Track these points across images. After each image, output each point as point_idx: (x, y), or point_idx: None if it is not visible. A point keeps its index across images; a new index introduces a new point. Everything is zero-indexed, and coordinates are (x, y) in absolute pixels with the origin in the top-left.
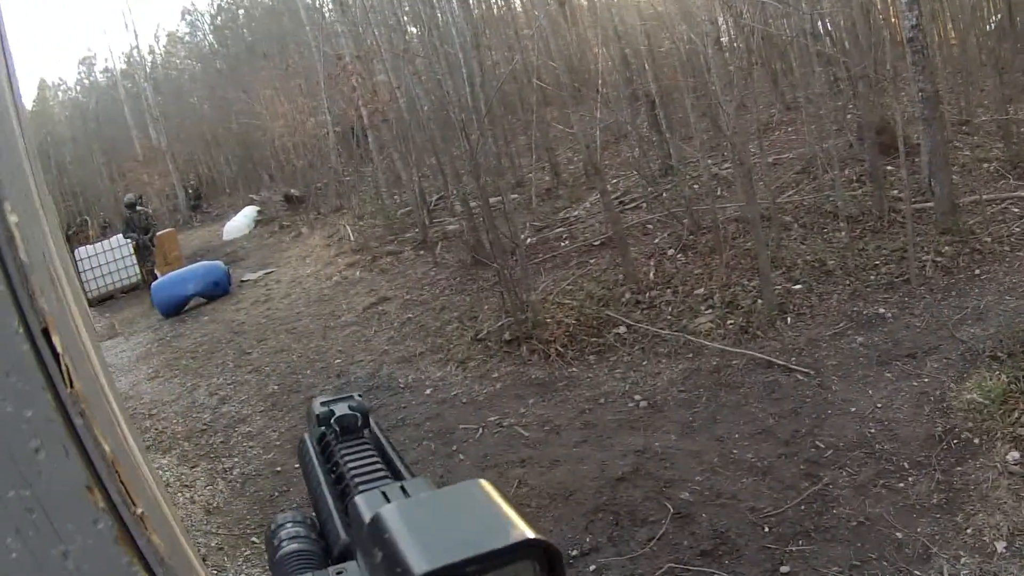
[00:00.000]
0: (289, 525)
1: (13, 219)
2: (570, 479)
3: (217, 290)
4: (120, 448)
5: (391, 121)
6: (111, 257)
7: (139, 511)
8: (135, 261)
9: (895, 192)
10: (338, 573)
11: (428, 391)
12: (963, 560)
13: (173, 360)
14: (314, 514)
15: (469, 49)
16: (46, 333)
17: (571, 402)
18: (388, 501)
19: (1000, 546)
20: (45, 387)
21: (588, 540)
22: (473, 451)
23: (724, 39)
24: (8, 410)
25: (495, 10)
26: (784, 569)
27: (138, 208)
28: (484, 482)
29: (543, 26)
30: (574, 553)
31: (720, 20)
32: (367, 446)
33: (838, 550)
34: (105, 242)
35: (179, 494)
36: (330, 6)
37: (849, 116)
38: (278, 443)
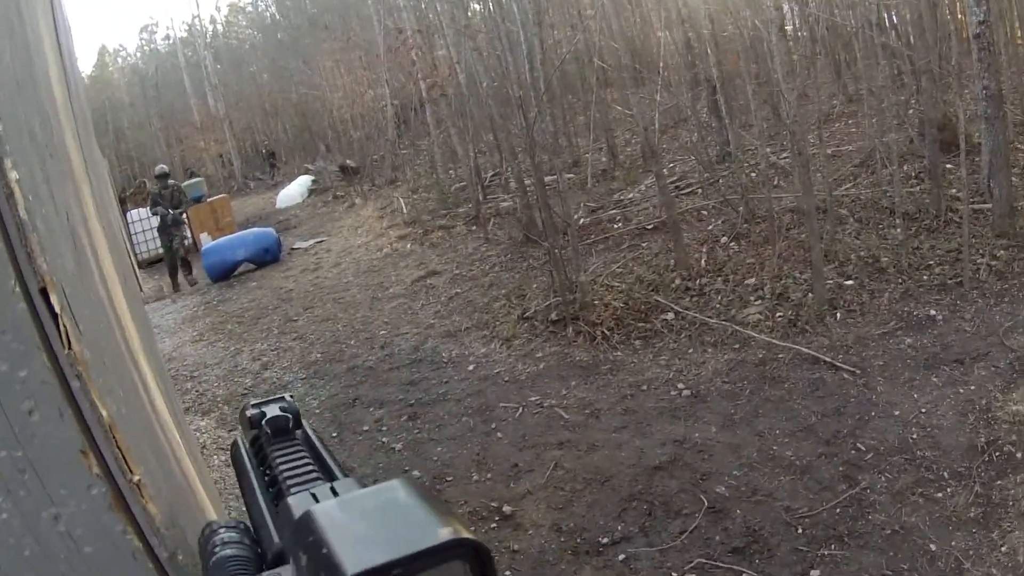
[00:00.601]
0: (222, 531)
1: (13, 175)
2: (607, 465)
3: (267, 257)
4: (122, 413)
5: (449, 96)
6: None
7: (135, 478)
8: (188, 225)
9: (953, 191)
10: None
11: (471, 367)
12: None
13: (218, 324)
14: (248, 519)
15: (531, 26)
16: (44, 293)
17: (613, 386)
18: (318, 502)
19: None
20: (40, 347)
21: (620, 528)
22: (512, 430)
23: (788, 27)
24: (2, 369)
25: None
26: (815, 573)
27: (170, 181)
28: (409, 480)
29: (606, 6)
30: (605, 541)
31: (785, 7)
32: (298, 447)
33: (870, 558)
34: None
35: (215, 456)
36: None
37: (911, 111)
38: (318, 411)
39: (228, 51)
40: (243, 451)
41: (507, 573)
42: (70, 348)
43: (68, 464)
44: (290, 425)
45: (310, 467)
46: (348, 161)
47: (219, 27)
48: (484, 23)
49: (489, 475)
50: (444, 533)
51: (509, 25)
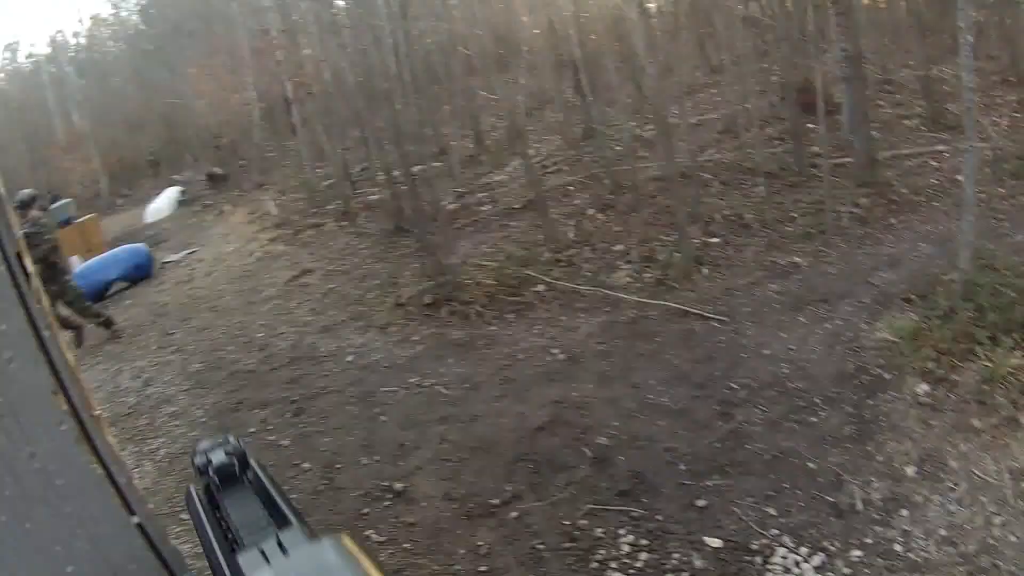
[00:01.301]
0: None
1: None
2: (490, 432)
3: (140, 273)
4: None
5: (316, 94)
6: None
7: (97, 412)
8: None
9: (815, 148)
10: None
11: (350, 358)
12: (875, 484)
13: (95, 347)
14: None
15: (396, 20)
16: (19, 256)
17: (490, 359)
18: (267, 561)
19: (910, 470)
20: (18, 304)
21: (509, 489)
22: (395, 412)
23: (652, 4)
24: None
25: None
26: (700, 503)
27: (32, 212)
28: (347, 539)
29: None
30: (496, 502)
31: None
32: (248, 494)
33: (752, 482)
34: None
35: None
36: None
37: (773, 78)
38: (203, 420)
39: (92, 65)
40: (196, 501)
41: (405, 546)
42: (40, 303)
43: (42, 404)
44: (237, 470)
45: (260, 515)
46: (216, 169)
47: (82, 41)
48: (349, 19)
49: (377, 457)
50: None
51: (374, 20)
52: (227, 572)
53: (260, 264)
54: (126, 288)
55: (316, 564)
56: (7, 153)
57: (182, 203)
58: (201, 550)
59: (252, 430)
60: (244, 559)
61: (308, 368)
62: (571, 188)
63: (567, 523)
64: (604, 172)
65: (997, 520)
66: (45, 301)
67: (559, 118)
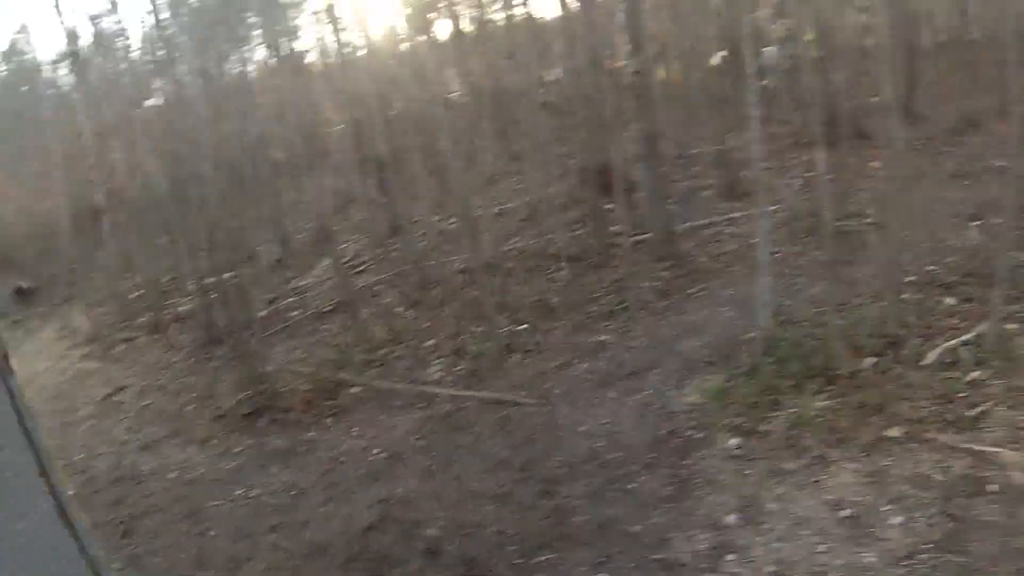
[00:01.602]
0: None
1: None
2: (321, 536)
3: None
4: None
5: (126, 201)
6: None
7: (70, 492)
8: None
9: (615, 228)
10: None
11: (172, 475)
12: (699, 536)
13: None
14: None
15: (207, 122)
16: (6, 358)
17: (313, 465)
18: None
19: (731, 519)
20: (6, 394)
21: None
22: (224, 525)
23: (455, 95)
24: None
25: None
26: None
27: None
28: None
29: (280, 91)
30: None
31: (450, 78)
32: None
33: (582, 552)
34: None
35: None
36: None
37: (572, 161)
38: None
39: None
40: None
41: None
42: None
43: (29, 484)
44: None
45: None
46: (22, 282)
47: None
48: (160, 120)
49: (212, 572)
50: None
51: (187, 121)
52: None
53: (73, 382)
54: None
55: None
56: None
57: None
58: None
59: None
60: None
61: (131, 488)
62: (380, 286)
63: None
64: (412, 268)
65: (821, 548)
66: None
67: (365, 216)
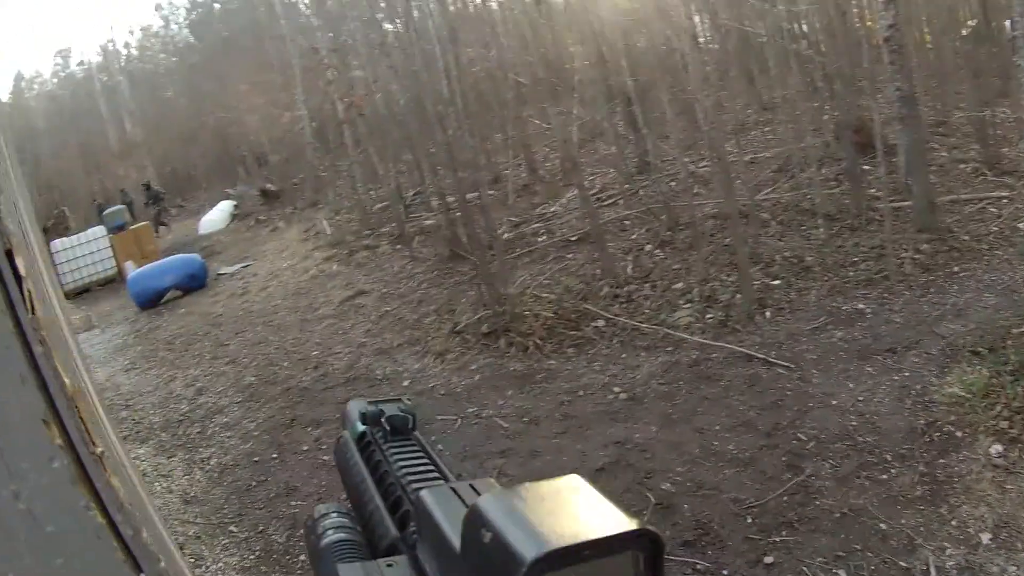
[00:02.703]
0: (333, 515)
1: None
2: (550, 470)
3: (194, 283)
4: (79, 385)
5: (367, 116)
6: (87, 250)
7: (99, 450)
8: (112, 254)
9: (872, 191)
10: (388, 566)
11: (406, 382)
12: (948, 552)
13: (150, 352)
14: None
15: (446, 44)
16: (9, 255)
17: (550, 394)
18: (459, 497)
19: (985, 538)
20: (4, 309)
21: None
22: (452, 442)
23: (700, 39)
24: None
25: (471, 7)
26: (768, 559)
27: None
28: (580, 477)
29: (520, 23)
30: None
31: (696, 19)
32: (416, 448)
33: (822, 541)
34: (81, 235)
35: (156, 483)
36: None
37: (825, 116)
38: (255, 434)
39: (143, 76)
40: (351, 445)
41: None
42: (34, 313)
43: (29, 434)
44: (408, 426)
45: (430, 467)
46: (268, 184)
47: (133, 52)
48: (398, 41)
49: None
50: (624, 523)
51: (424, 44)
52: (385, 511)
53: (315, 282)
54: (180, 296)
55: (546, 493)
56: (61, 158)
57: (235, 217)
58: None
59: (305, 448)
60: (429, 494)
61: (363, 390)
62: (627, 222)
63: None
64: (661, 207)
65: None
66: (40, 310)
67: (612, 151)
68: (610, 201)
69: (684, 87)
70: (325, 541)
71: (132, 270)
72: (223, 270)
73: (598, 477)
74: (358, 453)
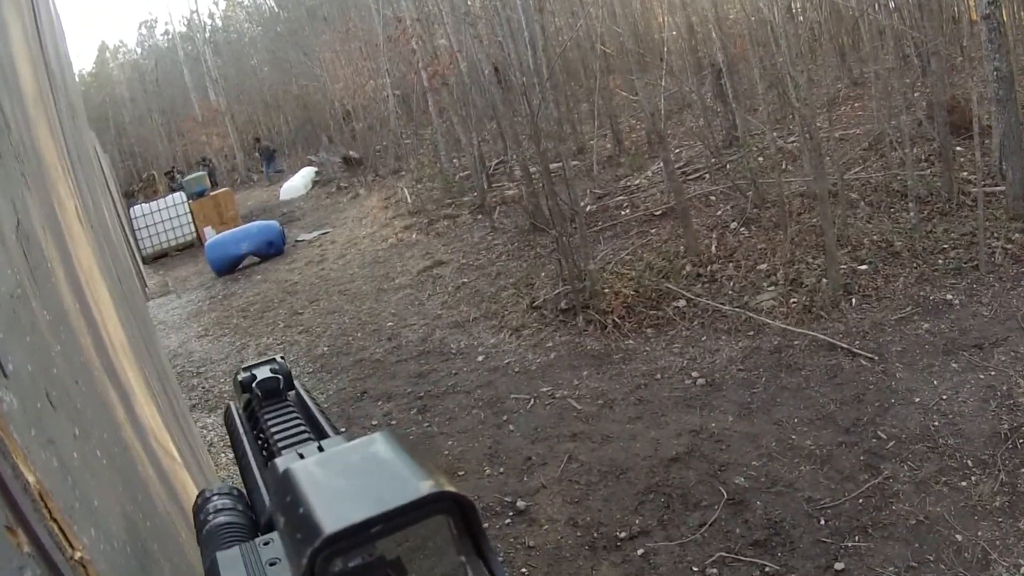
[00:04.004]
0: (215, 499)
1: None
2: (622, 456)
3: (271, 250)
4: (72, 460)
5: (451, 85)
6: (167, 215)
7: (77, 555)
8: (191, 220)
9: (964, 174)
10: (265, 544)
11: (480, 358)
12: None
13: (224, 319)
14: (242, 485)
15: (532, 13)
16: None
17: (626, 376)
18: (301, 457)
19: None
20: None
21: (638, 522)
22: (523, 422)
23: (794, 11)
24: None
25: None
26: (839, 566)
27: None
28: (391, 433)
29: None
30: (622, 535)
31: None
32: (289, 408)
33: (896, 549)
34: (162, 200)
35: (222, 454)
36: None
37: (917, 94)
38: (325, 406)
39: (227, 45)
40: (235, 416)
41: (523, 571)
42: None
43: None
44: (281, 386)
45: (301, 427)
46: (351, 152)
47: (218, 21)
48: (484, 10)
49: (502, 469)
50: (424, 487)
51: (509, 12)
52: (259, 477)
53: (393, 251)
54: (257, 263)
55: (357, 456)
56: (144, 125)
57: (316, 183)
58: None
59: (374, 422)
60: (280, 460)
61: (436, 364)
62: (712, 198)
63: (695, 569)
64: (748, 183)
65: None
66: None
67: (699, 123)
68: (696, 175)
69: (775, 60)
70: (206, 529)
71: (211, 236)
72: (301, 237)
73: (671, 467)
74: (240, 423)
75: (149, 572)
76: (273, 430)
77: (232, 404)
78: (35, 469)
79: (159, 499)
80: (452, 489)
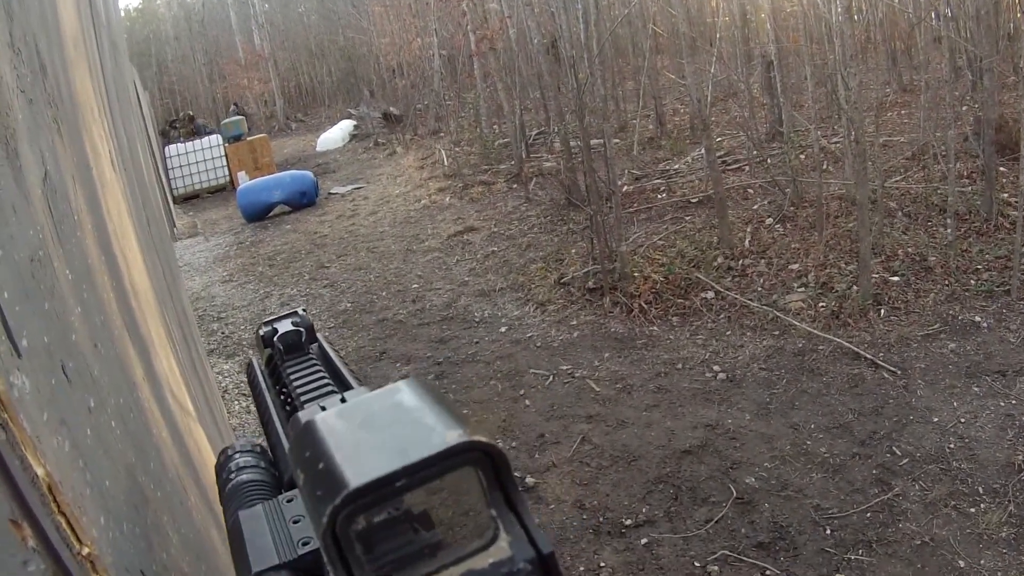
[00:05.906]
0: (237, 456)
1: None
2: (635, 443)
3: (303, 200)
4: (85, 443)
5: (498, 50)
6: (201, 157)
7: (85, 551)
8: (226, 163)
9: (1005, 195)
10: (288, 501)
11: (503, 329)
12: None
13: (249, 265)
14: (265, 441)
15: None
16: None
17: (647, 362)
18: (323, 409)
19: None
20: None
21: (644, 511)
22: (540, 398)
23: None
24: None
25: None
26: None
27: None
28: (417, 380)
29: None
30: (628, 522)
31: None
32: (311, 361)
33: (897, 568)
34: (197, 141)
35: (236, 402)
36: None
37: (966, 108)
38: None
39: None
40: (258, 371)
41: None
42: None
43: None
44: (303, 340)
45: (324, 380)
46: (392, 108)
47: None
48: None
49: (514, 443)
50: (452, 436)
51: None
52: (282, 433)
53: (425, 212)
54: (288, 212)
55: (380, 406)
56: (187, 64)
57: (354, 137)
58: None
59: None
60: (302, 413)
61: (458, 331)
62: (751, 191)
63: (697, 564)
64: (787, 180)
65: None
66: (2, 384)
67: (744, 114)
68: (735, 166)
69: (827, 58)
70: (230, 486)
71: (244, 181)
72: (335, 190)
73: (683, 459)
74: (262, 379)
75: (157, 550)
76: (295, 384)
77: (254, 359)
78: (45, 461)
79: (171, 464)
80: (482, 439)
